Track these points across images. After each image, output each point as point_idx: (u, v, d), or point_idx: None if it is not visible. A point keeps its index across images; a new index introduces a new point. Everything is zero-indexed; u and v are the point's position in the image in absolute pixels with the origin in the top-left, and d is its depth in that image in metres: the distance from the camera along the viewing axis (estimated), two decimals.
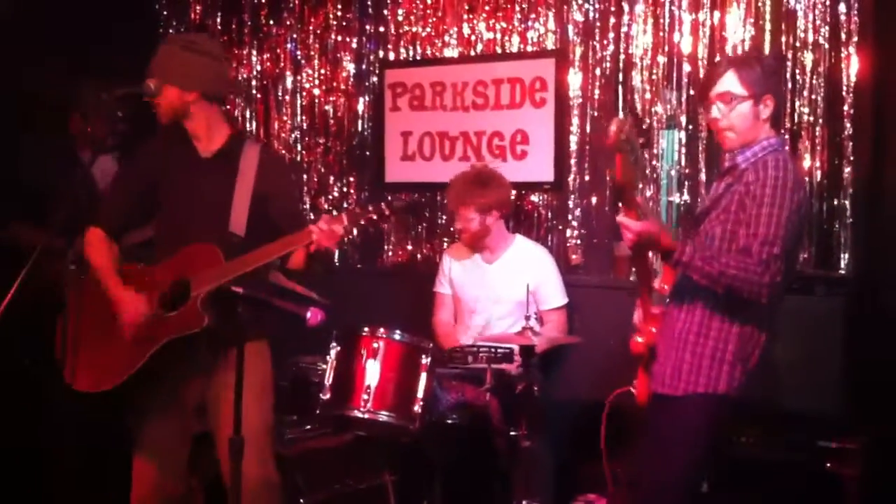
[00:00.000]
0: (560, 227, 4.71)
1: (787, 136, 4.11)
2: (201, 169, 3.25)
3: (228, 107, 5.49)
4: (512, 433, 3.86)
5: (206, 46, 3.25)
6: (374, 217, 3.06)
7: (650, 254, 2.98)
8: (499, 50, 4.85)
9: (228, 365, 3.12)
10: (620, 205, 2.82)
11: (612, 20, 4.56)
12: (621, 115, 2.67)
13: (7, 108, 4.40)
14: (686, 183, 4.39)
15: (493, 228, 4.25)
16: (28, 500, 3.98)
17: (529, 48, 4.77)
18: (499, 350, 3.90)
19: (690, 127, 4.39)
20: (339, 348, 3.65)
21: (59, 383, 3.19)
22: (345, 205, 5.28)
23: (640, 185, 2.87)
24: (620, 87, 4.56)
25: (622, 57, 4.55)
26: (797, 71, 4.17)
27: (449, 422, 3.83)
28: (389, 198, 3.16)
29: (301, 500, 3.55)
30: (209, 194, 3.21)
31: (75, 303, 3.28)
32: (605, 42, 4.59)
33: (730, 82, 2.95)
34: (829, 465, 3.63)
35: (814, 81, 4.16)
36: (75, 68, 4.59)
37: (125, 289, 3.18)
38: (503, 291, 4.24)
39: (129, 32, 5.18)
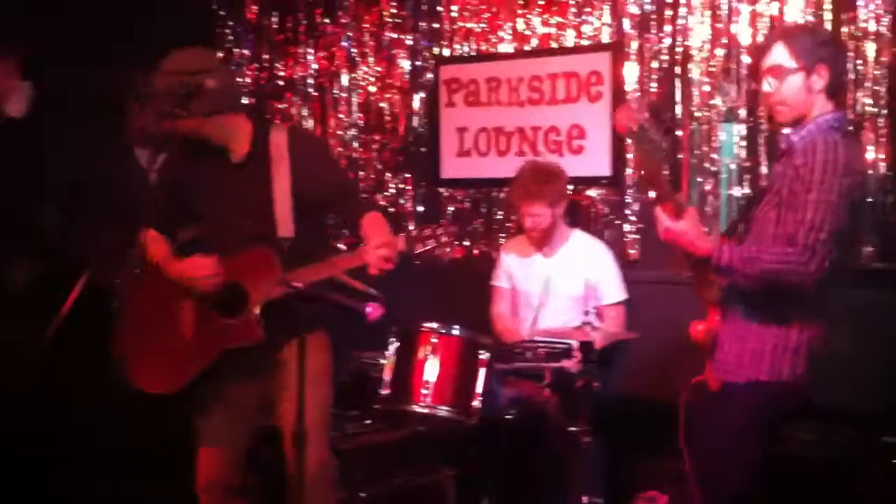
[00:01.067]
0: (617, 222, 4.67)
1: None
2: (234, 175, 3.20)
3: (285, 105, 5.54)
4: (570, 429, 3.85)
5: (206, 63, 3.12)
6: (430, 244, 3.05)
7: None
8: (554, 44, 4.83)
9: (289, 359, 3.16)
10: (656, 197, 2.80)
11: (669, 12, 4.51)
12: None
13: (64, 107, 4.47)
14: (746, 176, 4.34)
15: (558, 222, 4.23)
16: (96, 495, 4.05)
17: (584, 42, 4.74)
18: (557, 345, 3.88)
19: (751, 119, 4.33)
20: (397, 344, 3.67)
21: (118, 381, 3.23)
22: (400, 201, 5.30)
23: (662, 166, 2.82)
24: (678, 80, 4.51)
25: (679, 49, 4.50)
26: (859, 61, 4.09)
27: (507, 417, 3.83)
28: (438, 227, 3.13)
29: (361, 494, 3.57)
30: (247, 200, 3.15)
31: (134, 302, 3.30)
32: (662, 34, 4.54)
33: (779, 54, 2.89)
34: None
35: (876, 72, 4.08)
36: (130, 68, 4.65)
37: (189, 259, 3.15)
38: (561, 286, 4.22)
39: (185, 32, 5.25)
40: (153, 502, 4.05)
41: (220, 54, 5.55)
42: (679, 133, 4.47)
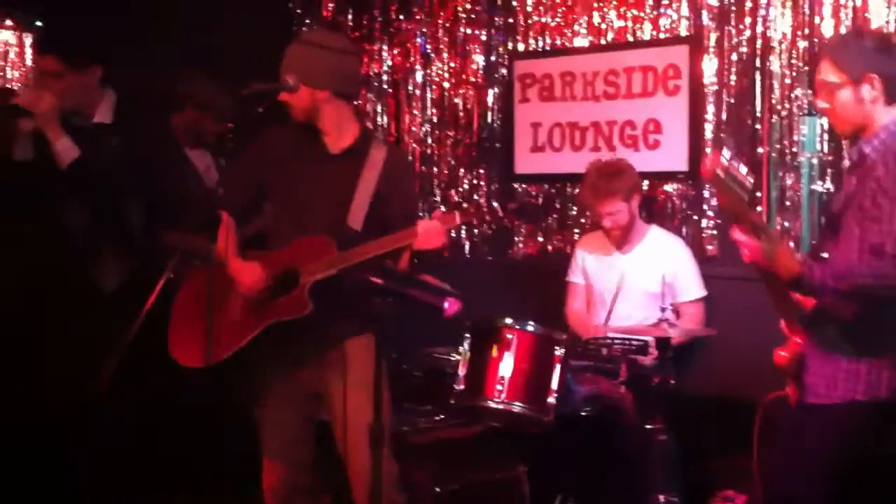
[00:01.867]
0: (695, 218, 4.60)
1: None
2: (328, 165, 3.27)
3: (359, 102, 5.58)
4: (646, 427, 3.81)
5: (337, 43, 3.26)
6: (487, 218, 3.02)
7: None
8: (630, 38, 4.78)
9: (339, 358, 3.18)
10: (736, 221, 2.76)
11: (749, 4, 4.42)
12: (723, 151, 2.61)
13: (138, 108, 4.54)
14: (828, 171, 4.24)
15: (636, 217, 4.19)
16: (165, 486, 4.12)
17: (662, 35, 4.68)
18: (633, 342, 3.85)
19: None
20: (472, 340, 3.66)
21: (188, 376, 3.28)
22: (474, 196, 5.30)
23: (749, 205, 2.78)
24: (758, 74, 4.43)
25: (759, 41, 4.41)
26: None
27: (583, 414, 3.80)
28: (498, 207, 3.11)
29: (436, 489, 3.58)
30: (333, 190, 3.22)
31: (188, 287, 3.37)
32: (742, 27, 4.46)
33: (825, 70, 2.86)
34: None
35: None
36: (207, 66, 4.71)
37: (244, 260, 3.22)
38: (638, 282, 4.18)
39: (262, 31, 5.33)
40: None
41: None
42: (758, 127, 4.40)
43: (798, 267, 2.75)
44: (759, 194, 4.37)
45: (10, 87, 4.28)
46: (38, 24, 4.68)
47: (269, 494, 3.34)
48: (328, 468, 3.49)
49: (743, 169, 2.67)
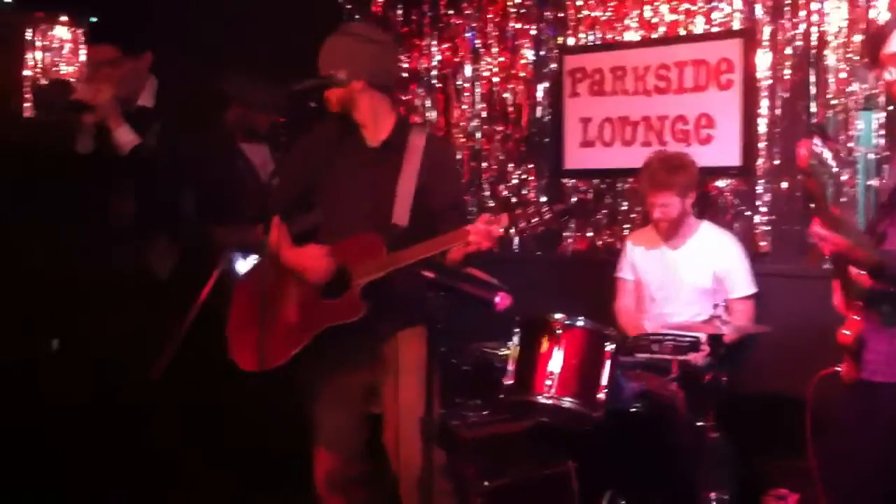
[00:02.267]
0: (747, 213, 4.55)
1: None
2: (368, 159, 3.27)
3: (409, 97, 5.58)
4: (698, 424, 3.78)
5: (374, 35, 3.26)
6: (536, 220, 2.98)
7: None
8: (682, 32, 4.74)
9: (392, 351, 3.19)
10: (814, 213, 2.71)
11: None
12: (815, 140, 2.55)
13: (196, 103, 4.58)
14: (884, 166, 4.17)
15: (688, 213, 4.15)
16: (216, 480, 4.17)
17: (714, 29, 4.64)
18: (685, 339, 3.82)
19: (890, 107, 4.15)
20: (522, 334, 3.65)
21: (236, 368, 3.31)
22: (523, 192, 5.29)
23: (831, 199, 2.73)
24: (812, 68, 4.36)
25: (814, 35, 4.35)
26: None
27: (632, 410, 3.78)
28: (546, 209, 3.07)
29: (485, 483, 3.57)
30: (374, 184, 3.23)
31: (244, 287, 3.40)
32: (796, 20, 4.40)
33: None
34: None
35: None
36: (257, 62, 4.75)
37: (303, 248, 3.22)
38: (688, 279, 4.14)
39: (312, 26, 5.35)
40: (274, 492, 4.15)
41: None
42: (813, 122, 4.34)
43: (878, 256, 2.70)
44: None
45: (67, 80, 4.35)
46: (93, 19, 4.74)
47: (321, 484, 3.37)
48: (376, 459, 3.51)
49: (829, 155, 2.64)
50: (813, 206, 2.70)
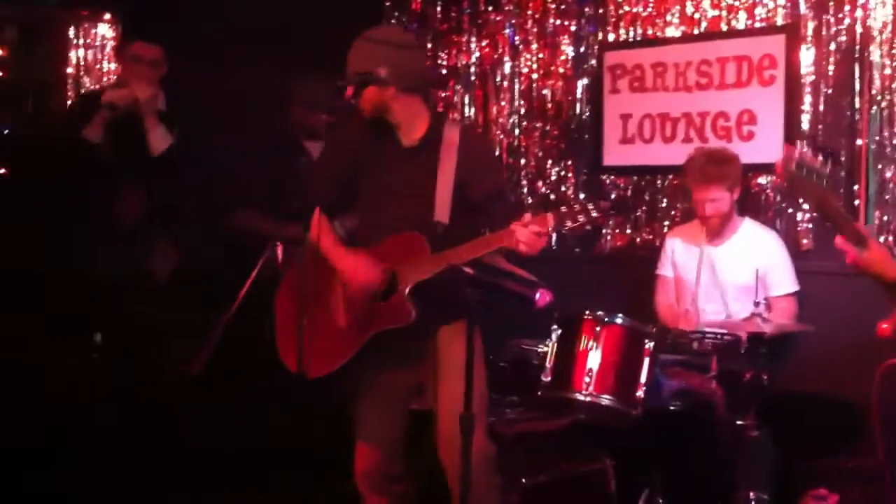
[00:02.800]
0: (790, 211, 4.50)
1: None
2: (404, 159, 3.26)
3: (447, 93, 5.58)
4: (737, 422, 3.74)
5: (400, 39, 3.23)
6: (582, 219, 2.92)
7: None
8: (724, 27, 4.70)
9: (439, 346, 3.19)
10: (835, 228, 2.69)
11: None
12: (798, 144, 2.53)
13: (234, 101, 4.62)
14: None
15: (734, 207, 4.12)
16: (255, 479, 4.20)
17: (757, 24, 4.59)
18: (725, 336, 3.78)
19: None
20: (560, 331, 3.64)
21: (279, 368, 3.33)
22: (562, 188, 5.27)
23: (838, 203, 2.70)
24: (857, 64, 4.30)
25: (859, 30, 4.29)
26: None
27: (671, 408, 3.75)
28: (589, 204, 2.97)
29: (522, 480, 3.57)
30: (412, 183, 3.21)
31: (289, 285, 3.40)
32: (841, 15, 4.35)
33: None
34: None
35: None
36: (301, 60, 4.78)
37: (354, 255, 3.22)
38: (730, 276, 4.11)
39: (353, 24, 5.36)
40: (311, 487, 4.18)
41: None
42: (857, 118, 4.29)
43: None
44: (856, 187, 4.26)
45: (94, 89, 4.41)
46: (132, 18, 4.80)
47: (361, 479, 3.38)
48: (417, 457, 3.52)
49: (818, 162, 2.60)
50: (826, 218, 2.67)
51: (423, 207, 3.17)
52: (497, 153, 5.27)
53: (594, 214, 2.92)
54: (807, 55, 4.43)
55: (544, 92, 5.33)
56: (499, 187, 3.27)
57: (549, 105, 5.32)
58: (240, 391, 3.91)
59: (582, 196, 5.15)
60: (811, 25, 4.42)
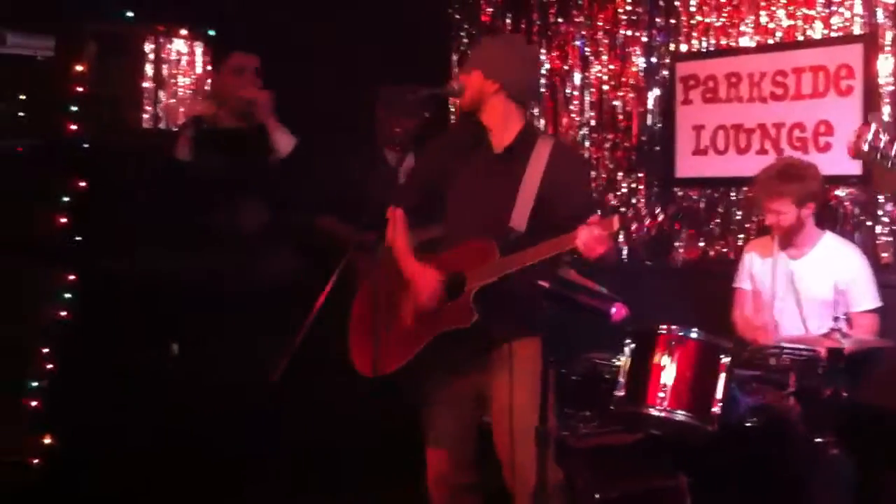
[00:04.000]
0: (868, 224, 4.41)
1: None
2: (491, 164, 3.27)
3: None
4: (816, 440, 3.66)
5: (523, 47, 3.32)
6: (647, 222, 2.92)
7: None
8: (800, 37, 4.62)
9: (503, 360, 3.17)
10: None
11: None
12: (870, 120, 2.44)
13: (313, 111, 4.68)
14: None
15: (806, 223, 4.04)
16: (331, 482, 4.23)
17: (834, 34, 4.52)
18: (803, 352, 3.71)
19: None
20: (633, 345, 3.60)
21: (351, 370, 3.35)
22: (633, 201, 5.23)
23: None
24: None
25: None
26: None
27: (748, 425, 3.69)
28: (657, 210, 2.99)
29: (595, 495, 3.53)
30: (495, 190, 3.22)
31: (366, 290, 3.42)
32: None
33: None
34: None
35: None
36: (376, 71, 4.82)
37: (423, 266, 3.25)
38: (809, 290, 4.03)
39: (425, 36, 5.40)
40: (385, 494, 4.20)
41: (455, 56, 5.69)
42: None
43: None
44: None
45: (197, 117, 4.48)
46: (211, 32, 4.87)
47: (432, 487, 3.37)
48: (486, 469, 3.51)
49: (892, 146, 2.53)
50: None
51: (501, 214, 3.17)
52: (589, 177, 5.12)
53: (660, 218, 2.89)
54: (885, 65, 4.36)
55: (615, 103, 5.30)
56: (583, 211, 3.14)
57: (620, 116, 5.28)
58: (317, 394, 3.96)
59: (656, 209, 5.08)
60: (889, 35, 4.35)
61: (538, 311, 2.92)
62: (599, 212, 5.05)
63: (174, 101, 4.93)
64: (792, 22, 4.65)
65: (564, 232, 3.00)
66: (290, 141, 4.11)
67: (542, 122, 5.53)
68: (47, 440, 4.12)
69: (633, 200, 5.22)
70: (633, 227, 2.93)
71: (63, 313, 4.22)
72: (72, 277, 4.25)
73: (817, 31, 4.58)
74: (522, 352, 3.13)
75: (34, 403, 4.14)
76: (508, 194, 3.19)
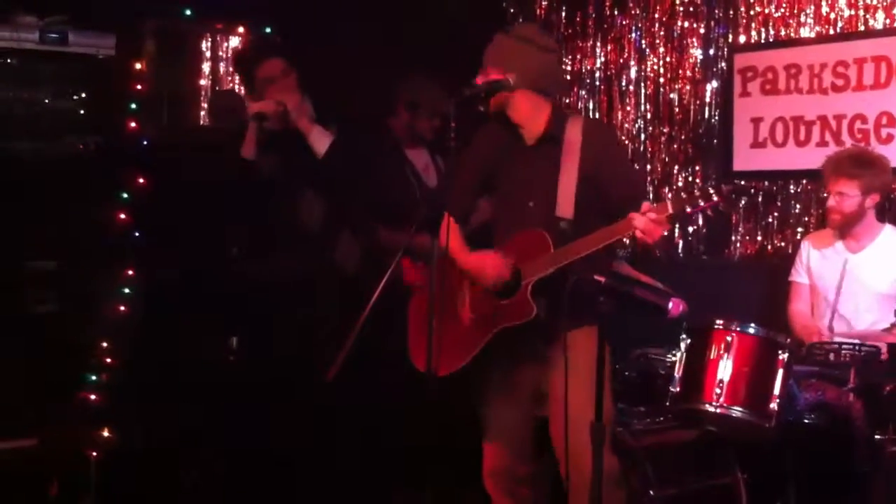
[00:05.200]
0: None
1: None
2: (526, 157, 3.27)
3: (570, 99, 5.54)
4: (877, 437, 3.60)
5: (543, 42, 3.23)
6: (702, 203, 2.83)
7: None
8: (861, 27, 4.54)
9: (559, 352, 3.12)
10: None
11: None
12: None
13: (359, 112, 4.68)
14: None
15: (867, 214, 3.96)
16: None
17: None
18: (863, 347, 3.64)
19: None
20: (689, 341, 3.56)
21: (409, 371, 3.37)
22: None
23: None
24: None
25: None
26: None
27: (806, 422, 3.63)
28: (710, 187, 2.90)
29: (651, 493, 3.51)
30: (536, 181, 3.21)
31: (422, 295, 3.43)
32: None
33: None
34: None
35: None
36: (427, 65, 4.81)
37: (480, 253, 3.25)
38: (868, 284, 3.96)
39: (479, 31, 5.38)
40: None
41: None
42: None
43: None
44: None
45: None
46: (268, 30, 4.91)
47: (488, 480, 3.38)
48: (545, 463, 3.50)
49: None
50: None
51: (546, 204, 3.17)
52: (623, 143, 5.10)
53: (714, 198, 2.83)
54: None
55: (671, 96, 5.24)
56: (636, 193, 3.16)
57: (677, 109, 5.23)
58: (372, 393, 3.98)
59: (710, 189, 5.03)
60: None
61: (595, 305, 2.90)
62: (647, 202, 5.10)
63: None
64: (853, 12, 4.57)
65: (622, 216, 2.96)
66: (326, 140, 4.11)
67: (597, 115, 5.49)
68: (106, 433, 4.19)
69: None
70: (687, 210, 2.85)
71: (122, 308, 4.29)
72: (131, 273, 4.32)
73: (879, 21, 4.50)
74: (579, 343, 3.10)
75: (93, 397, 4.21)
76: (549, 183, 3.18)
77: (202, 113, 5.16)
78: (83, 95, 4.39)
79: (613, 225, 3.00)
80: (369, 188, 4.31)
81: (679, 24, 5.17)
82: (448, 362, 3.19)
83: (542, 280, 3.10)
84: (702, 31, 5.09)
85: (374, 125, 4.66)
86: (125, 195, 4.33)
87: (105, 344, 4.26)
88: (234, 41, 5.10)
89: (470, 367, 3.24)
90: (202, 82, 5.11)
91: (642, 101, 5.35)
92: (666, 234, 2.92)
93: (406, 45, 5.00)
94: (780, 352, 3.44)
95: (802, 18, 4.73)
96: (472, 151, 3.44)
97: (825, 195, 4.11)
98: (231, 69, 4.96)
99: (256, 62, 4.24)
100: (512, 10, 5.74)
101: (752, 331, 3.48)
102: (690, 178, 5.19)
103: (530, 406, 3.36)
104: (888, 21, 4.46)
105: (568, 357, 2.95)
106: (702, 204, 2.85)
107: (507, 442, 3.36)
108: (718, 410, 3.43)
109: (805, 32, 4.73)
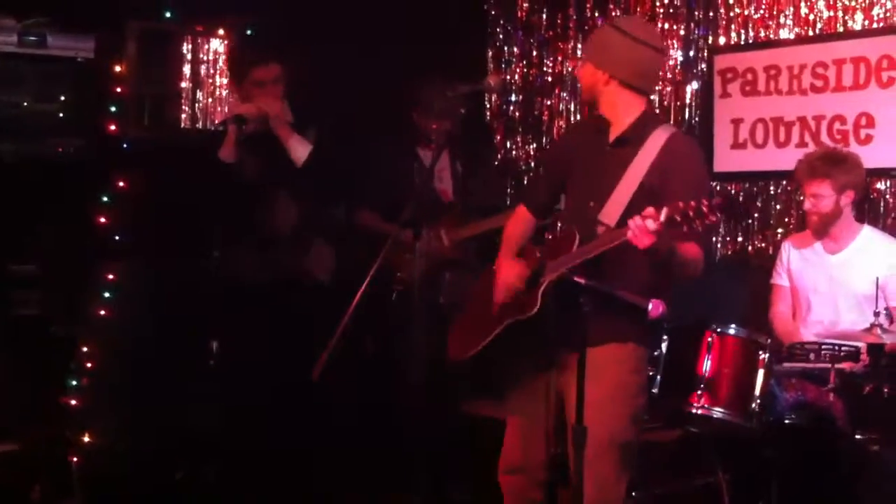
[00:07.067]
0: None
1: None
2: (604, 155, 3.14)
3: (553, 101, 5.55)
4: (858, 437, 3.62)
5: (636, 32, 3.11)
6: (692, 215, 2.71)
7: None
8: (840, 28, 4.56)
9: (578, 363, 3.07)
10: None
11: None
12: None
13: (351, 107, 4.69)
14: None
15: (843, 213, 3.99)
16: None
17: (875, 25, 4.45)
18: (844, 347, 3.66)
19: None
20: (670, 342, 3.57)
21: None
22: None
23: None
24: None
25: None
26: None
27: (787, 422, 3.66)
28: (704, 201, 2.82)
29: (633, 493, 3.52)
30: (602, 181, 3.09)
31: (482, 282, 3.42)
32: None
33: None
34: None
35: None
36: (412, 67, 4.82)
37: (510, 259, 3.25)
38: (848, 284, 3.98)
39: (461, 32, 5.40)
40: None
41: (491, 52, 5.69)
42: None
43: None
44: None
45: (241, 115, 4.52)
46: (249, 32, 4.90)
47: (506, 477, 3.31)
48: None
49: None
50: None
51: (596, 206, 3.07)
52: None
53: (712, 219, 2.79)
54: None
55: (652, 97, 5.24)
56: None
57: (657, 110, 5.23)
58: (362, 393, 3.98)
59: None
60: None
61: (624, 318, 2.89)
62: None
63: (212, 100, 4.97)
64: (832, 13, 4.59)
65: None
66: (305, 149, 4.13)
67: (578, 118, 5.48)
68: (86, 438, 4.17)
69: None
70: (677, 220, 2.79)
71: (103, 312, 4.28)
72: (111, 276, 4.30)
73: (858, 22, 4.51)
74: (600, 358, 2.96)
75: (73, 402, 4.19)
76: (611, 186, 3.06)
77: (183, 115, 5.14)
78: (63, 98, 4.37)
79: (614, 231, 2.94)
80: (367, 185, 4.33)
81: (659, 25, 5.18)
82: (464, 348, 3.23)
83: (562, 284, 2.97)
84: (682, 32, 5.11)
85: (387, 126, 4.71)
86: (106, 198, 4.32)
87: (86, 348, 4.24)
88: (216, 43, 5.08)
89: (488, 359, 3.23)
90: (183, 85, 5.08)
91: None
92: (656, 243, 2.83)
93: (391, 47, 5.01)
94: (760, 352, 3.47)
95: (782, 20, 4.75)
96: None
97: (801, 198, 4.13)
98: (221, 66, 4.95)
99: (256, 63, 4.25)
100: (493, 13, 5.74)
101: (732, 331, 3.50)
102: None
103: (546, 410, 3.22)
104: (867, 22, 4.48)
105: (585, 371, 2.83)
106: (691, 214, 2.77)
107: (527, 438, 3.23)
108: (700, 411, 3.45)
109: (784, 34, 4.75)
